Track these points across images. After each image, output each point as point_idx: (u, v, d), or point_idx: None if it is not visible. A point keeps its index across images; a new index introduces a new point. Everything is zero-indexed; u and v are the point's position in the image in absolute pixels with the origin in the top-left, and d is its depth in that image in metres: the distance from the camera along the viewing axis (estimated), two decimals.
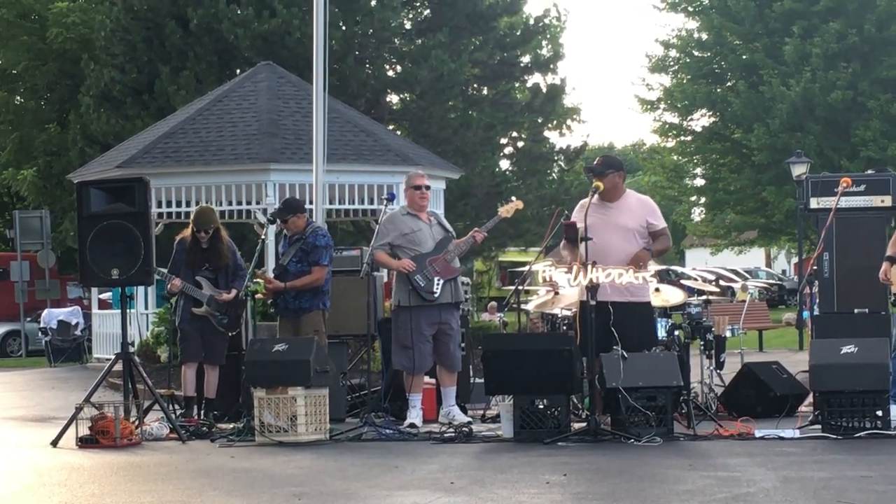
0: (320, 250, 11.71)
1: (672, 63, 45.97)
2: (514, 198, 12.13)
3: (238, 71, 28.24)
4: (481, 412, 11.93)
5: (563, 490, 7.37)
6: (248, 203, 19.79)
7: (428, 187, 11.65)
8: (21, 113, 36.27)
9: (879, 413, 9.61)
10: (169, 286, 11.82)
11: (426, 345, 11.19)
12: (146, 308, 21.42)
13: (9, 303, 31.91)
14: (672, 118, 46.09)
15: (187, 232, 12.00)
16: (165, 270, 11.81)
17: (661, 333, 11.29)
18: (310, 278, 11.65)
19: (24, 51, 34.90)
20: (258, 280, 12.36)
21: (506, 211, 11.59)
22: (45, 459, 9.63)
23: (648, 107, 46.08)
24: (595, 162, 10.94)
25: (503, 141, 35.84)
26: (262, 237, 12.12)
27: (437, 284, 11.21)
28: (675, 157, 47.44)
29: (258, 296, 12.43)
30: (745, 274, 52.18)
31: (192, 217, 12.09)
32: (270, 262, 16.37)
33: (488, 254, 37.84)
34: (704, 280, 17.35)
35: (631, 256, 10.40)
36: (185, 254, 11.88)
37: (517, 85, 36.65)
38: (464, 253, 11.69)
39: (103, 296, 25.32)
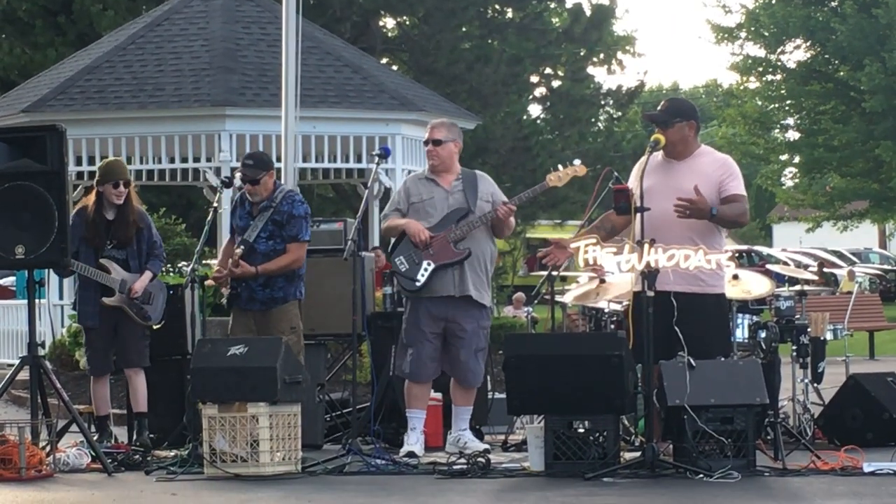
0: (299, 221, 11.57)
1: None
2: (577, 161, 11.70)
3: None
4: (502, 438, 11.96)
5: None
6: (197, 160, 19.75)
7: (438, 141, 11.54)
8: None
9: None
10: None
11: (426, 345, 11.21)
12: (61, 298, 21.44)
13: None
14: (757, 51, 46.08)
15: (88, 199, 11.93)
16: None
17: (741, 335, 11.28)
18: (287, 258, 11.51)
19: None
20: (209, 263, 12.33)
21: (556, 178, 11.40)
22: None
23: (725, 36, 46.05)
24: (658, 108, 10.93)
25: (534, 79, 35.83)
26: (215, 205, 12.05)
27: (424, 270, 11.18)
28: (759, 103, 47.39)
29: (209, 282, 12.31)
30: (851, 257, 52.24)
31: (98, 173, 11.99)
32: (222, 238, 16.35)
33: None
34: (798, 265, 17.35)
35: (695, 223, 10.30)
36: (86, 228, 11.78)
37: (552, 6, 36.60)
38: (485, 223, 11.38)
39: (4, 281, 25.39)
